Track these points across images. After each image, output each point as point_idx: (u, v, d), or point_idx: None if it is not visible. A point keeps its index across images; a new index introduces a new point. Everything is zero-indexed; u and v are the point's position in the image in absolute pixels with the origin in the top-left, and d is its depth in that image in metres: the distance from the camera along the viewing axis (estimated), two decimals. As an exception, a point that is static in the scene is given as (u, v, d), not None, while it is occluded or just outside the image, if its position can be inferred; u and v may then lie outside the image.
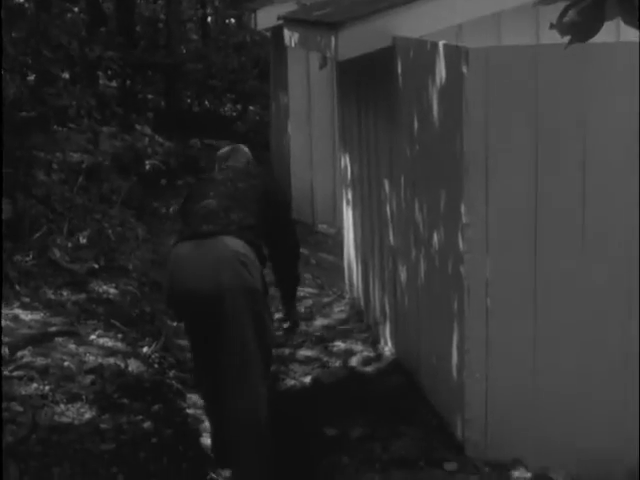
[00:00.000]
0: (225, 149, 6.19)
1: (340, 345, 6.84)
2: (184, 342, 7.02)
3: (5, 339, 5.89)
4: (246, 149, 6.17)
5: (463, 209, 4.66)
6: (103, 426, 5.18)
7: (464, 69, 4.51)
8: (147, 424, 5.34)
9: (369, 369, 6.31)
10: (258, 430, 5.18)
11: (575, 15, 2.69)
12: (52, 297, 6.98)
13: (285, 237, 5.80)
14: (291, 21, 7.64)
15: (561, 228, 4.72)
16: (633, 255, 4.74)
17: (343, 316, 7.54)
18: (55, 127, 9.32)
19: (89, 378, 5.68)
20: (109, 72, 14.45)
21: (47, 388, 5.44)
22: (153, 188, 11.56)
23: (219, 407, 5.30)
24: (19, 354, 5.80)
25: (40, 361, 5.78)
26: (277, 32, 10.59)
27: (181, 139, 14.17)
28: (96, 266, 7.75)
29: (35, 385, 5.45)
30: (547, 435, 4.89)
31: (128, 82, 15.84)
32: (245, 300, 5.05)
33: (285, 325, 6.38)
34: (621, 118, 4.63)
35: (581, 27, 2.71)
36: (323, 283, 8.73)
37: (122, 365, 5.94)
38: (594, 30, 2.71)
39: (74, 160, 10.08)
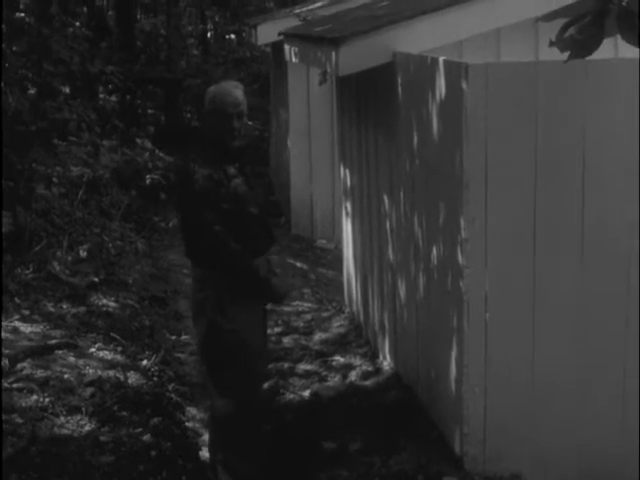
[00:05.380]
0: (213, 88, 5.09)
1: (339, 359, 6.85)
2: (183, 356, 7.04)
3: (5, 351, 5.89)
4: (238, 84, 5.07)
5: (462, 223, 4.69)
6: (102, 438, 5.18)
7: (464, 85, 4.54)
8: (146, 437, 5.34)
9: (368, 383, 6.32)
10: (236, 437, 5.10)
11: (575, 31, 2.72)
12: (52, 310, 6.98)
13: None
14: (292, 36, 7.68)
15: (560, 243, 4.74)
16: (632, 270, 4.77)
17: (342, 330, 7.55)
18: (56, 141, 9.34)
19: (89, 390, 5.68)
20: (110, 86, 14.50)
21: (47, 400, 5.44)
22: (153, 202, 11.58)
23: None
24: (19, 366, 5.81)
25: (40, 373, 5.79)
26: (277, 47, 10.64)
27: (181, 154, 14.19)
28: (96, 279, 7.76)
29: (35, 397, 5.45)
30: (546, 450, 4.90)
31: (128, 97, 15.87)
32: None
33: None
34: (620, 133, 4.66)
35: (581, 43, 2.73)
36: (322, 298, 8.74)
37: (122, 378, 5.94)
38: (594, 46, 2.73)
39: (74, 174, 10.10)
